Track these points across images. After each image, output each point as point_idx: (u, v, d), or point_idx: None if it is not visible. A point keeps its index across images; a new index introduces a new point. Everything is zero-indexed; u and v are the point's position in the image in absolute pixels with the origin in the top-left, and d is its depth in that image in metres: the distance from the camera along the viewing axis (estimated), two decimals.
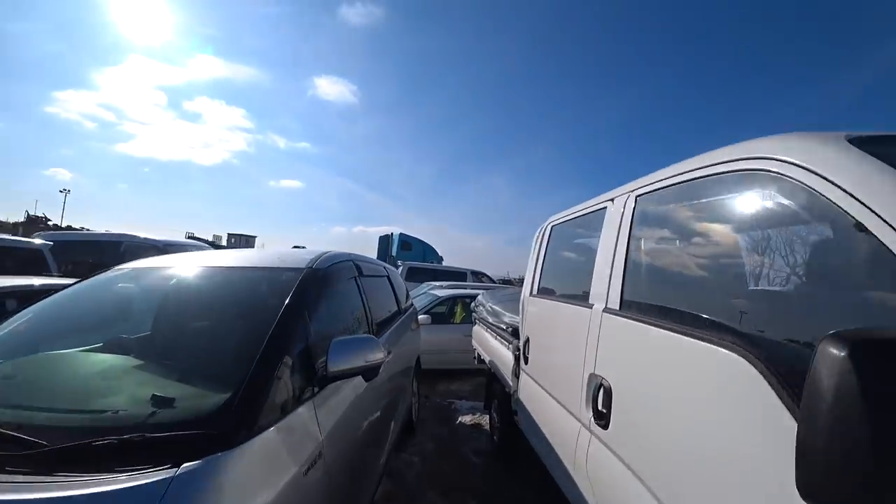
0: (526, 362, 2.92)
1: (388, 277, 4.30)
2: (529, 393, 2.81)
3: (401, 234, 26.24)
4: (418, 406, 5.07)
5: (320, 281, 2.31)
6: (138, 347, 2.01)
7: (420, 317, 6.60)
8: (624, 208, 1.86)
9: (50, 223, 41.89)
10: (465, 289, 10.84)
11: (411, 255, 24.63)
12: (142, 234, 9.65)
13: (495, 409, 4.24)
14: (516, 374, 3.16)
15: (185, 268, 2.49)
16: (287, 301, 1.97)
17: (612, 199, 2.03)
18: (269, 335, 1.76)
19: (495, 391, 4.17)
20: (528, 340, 2.91)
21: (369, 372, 1.98)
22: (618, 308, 1.69)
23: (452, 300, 7.50)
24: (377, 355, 1.99)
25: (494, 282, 19.32)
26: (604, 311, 1.78)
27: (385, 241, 27.69)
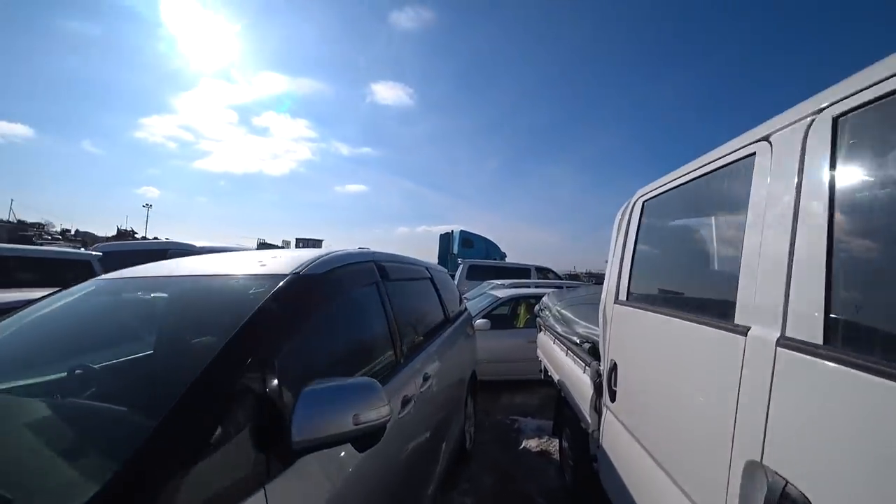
0: (612, 398, 2.07)
1: (432, 279, 3.59)
2: (619, 445, 1.96)
3: (461, 232, 25.58)
4: (474, 428, 4.31)
5: (310, 292, 1.62)
6: (54, 388, 1.42)
7: (478, 321, 5.86)
8: (804, 147, 0.99)
9: (137, 236, 45.88)
10: (529, 287, 9.93)
11: (473, 252, 23.89)
12: (198, 243, 9.70)
13: (566, 438, 3.39)
14: (597, 410, 2.32)
15: (143, 280, 1.91)
16: (242, 324, 1.30)
17: (767, 139, 1.16)
18: (195, 380, 1.09)
19: (566, 417, 3.32)
20: (614, 367, 2.06)
21: (363, 439, 1.25)
22: (820, 342, 0.84)
23: (515, 301, 6.67)
24: (378, 412, 1.26)
25: (560, 277, 18.10)
26: (780, 344, 0.92)
27: (446, 239, 27.17)
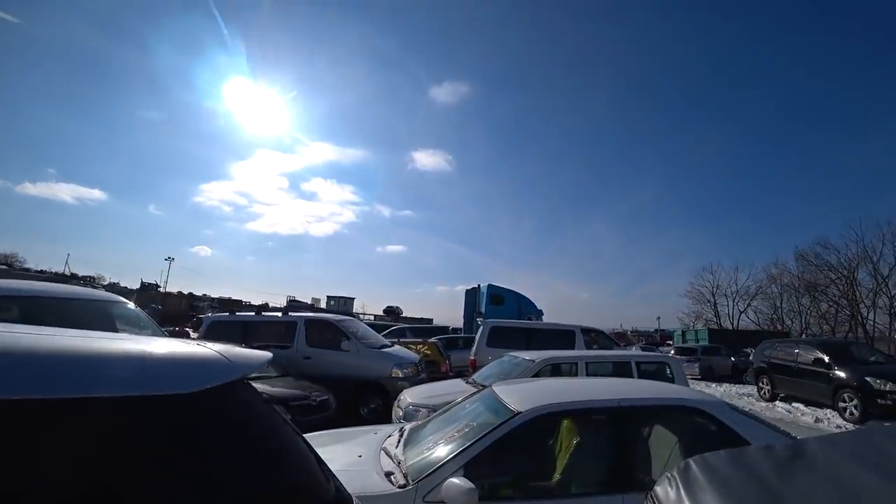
0: None
1: None
2: None
3: (489, 286, 21.84)
4: None
5: None
6: None
7: (449, 483, 2.23)
8: None
9: (159, 289, 45.92)
10: (576, 361, 6.09)
11: (503, 310, 19.97)
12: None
13: None
14: None
15: None
16: None
17: None
18: None
19: None
20: None
21: None
22: None
23: (549, 419, 2.92)
24: None
25: (616, 343, 13.90)
26: None
27: (472, 296, 23.46)
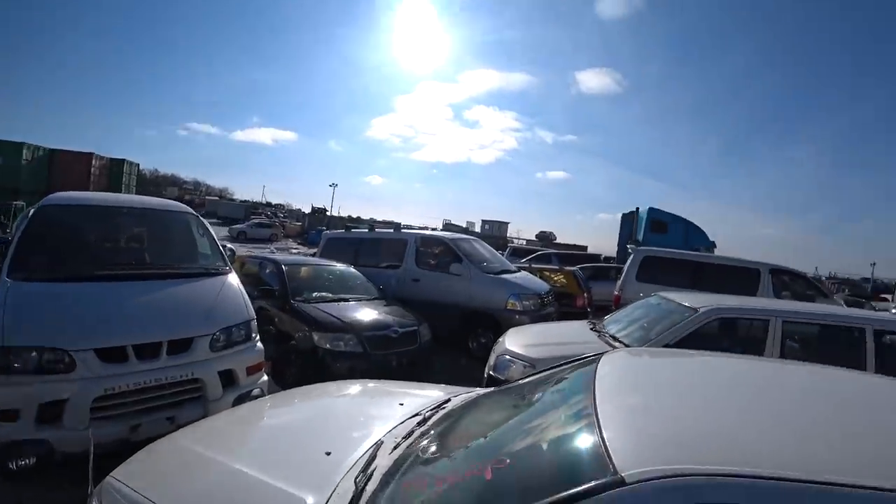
0: None
1: None
2: None
3: (651, 210, 18.60)
4: None
5: None
6: None
7: None
8: None
9: (326, 213, 51.32)
10: (775, 314, 3.93)
11: (666, 239, 16.78)
12: None
13: None
14: None
15: None
16: None
17: None
18: None
19: None
20: None
21: None
22: None
23: None
24: None
25: (822, 291, 10.35)
26: None
27: (629, 221, 20.41)
